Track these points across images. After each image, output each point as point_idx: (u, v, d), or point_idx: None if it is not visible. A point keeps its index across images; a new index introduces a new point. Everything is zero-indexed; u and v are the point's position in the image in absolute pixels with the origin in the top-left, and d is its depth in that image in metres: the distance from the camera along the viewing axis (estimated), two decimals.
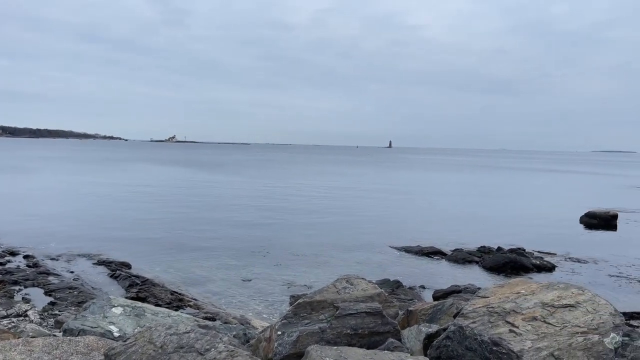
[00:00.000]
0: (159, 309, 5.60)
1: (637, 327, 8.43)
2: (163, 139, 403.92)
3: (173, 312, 5.60)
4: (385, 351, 3.22)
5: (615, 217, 23.14)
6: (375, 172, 68.26)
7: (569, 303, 2.84)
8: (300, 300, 3.40)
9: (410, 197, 34.37)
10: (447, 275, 13.90)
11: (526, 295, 2.93)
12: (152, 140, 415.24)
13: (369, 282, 4.58)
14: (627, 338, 3.52)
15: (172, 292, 11.19)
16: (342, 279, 3.92)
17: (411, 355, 3.28)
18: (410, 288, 12.27)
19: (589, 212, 23.88)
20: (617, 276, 14.03)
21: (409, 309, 4.29)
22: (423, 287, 12.63)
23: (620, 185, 50.94)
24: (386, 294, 3.92)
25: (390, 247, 17.11)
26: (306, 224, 21.57)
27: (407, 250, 16.67)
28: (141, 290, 11.21)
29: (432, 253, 16.34)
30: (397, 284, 12.30)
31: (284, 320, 3.40)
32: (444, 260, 15.73)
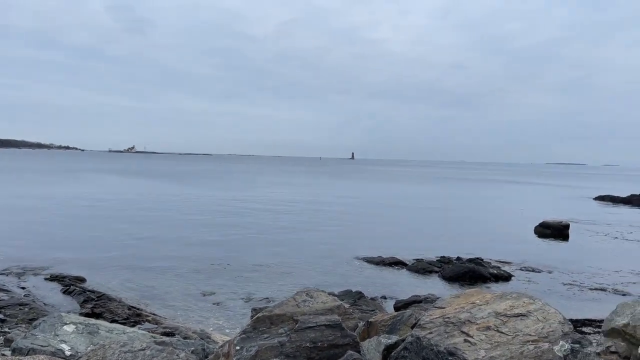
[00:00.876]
0: (114, 325, 5.42)
1: (589, 334, 8.74)
2: (122, 149, 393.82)
3: (129, 329, 5.44)
4: None
5: (567, 227, 24.01)
6: (338, 183, 68.61)
7: (520, 312, 2.93)
8: (259, 314, 3.36)
9: (372, 208, 34.70)
10: (408, 285, 14.06)
11: (480, 305, 3.00)
12: (110, 151, 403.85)
13: (329, 294, 4.59)
14: (577, 345, 3.64)
15: (130, 307, 10.86)
16: (302, 292, 3.90)
17: None
18: (372, 299, 12.33)
19: (543, 222, 24.69)
20: (570, 284, 14.53)
21: (369, 320, 4.31)
22: (385, 297, 12.72)
23: (572, 196, 53.01)
24: (346, 306, 3.93)
25: (352, 257, 17.18)
26: (268, 235, 21.44)
27: (369, 260, 16.78)
28: (96, 305, 10.83)
29: (394, 263, 16.50)
30: (359, 295, 12.34)
31: (243, 335, 3.35)
32: (405, 270, 15.91)
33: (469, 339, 2.68)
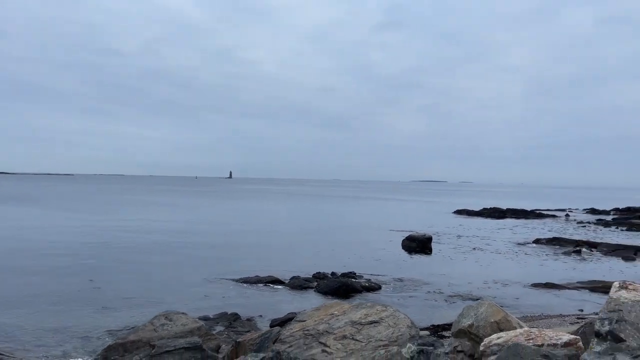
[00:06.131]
0: None
1: (447, 337, 9.51)
2: None
3: None
4: None
5: (430, 239, 26.02)
6: (212, 202, 67.16)
7: (374, 320, 3.13)
8: (111, 342, 3.14)
9: (247, 227, 34.48)
10: (285, 302, 14.14)
11: (338, 315, 3.14)
12: None
13: (202, 318, 4.44)
14: (431, 347, 3.96)
15: None
16: (160, 315, 3.74)
17: None
18: (248, 319, 12.19)
19: (409, 236, 26.49)
20: (433, 292, 15.71)
21: (237, 340, 4.25)
22: (261, 316, 12.64)
23: (435, 211, 57.71)
24: (206, 328, 3.84)
25: (228, 279, 16.86)
26: (135, 260, 20.20)
27: (246, 281, 16.60)
28: None
29: (271, 282, 16.51)
30: (235, 317, 12.15)
31: None
32: (282, 288, 16.00)
33: (326, 348, 2.79)
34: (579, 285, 17.13)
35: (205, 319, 11.54)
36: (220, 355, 3.54)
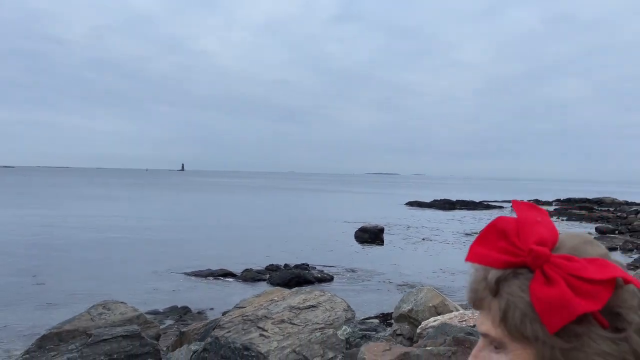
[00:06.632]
0: None
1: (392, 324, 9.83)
2: None
3: None
4: None
5: (382, 230, 26.52)
6: (163, 196, 65.72)
7: (312, 304, 3.23)
8: (45, 332, 3.08)
9: (199, 221, 34.01)
10: (237, 295, 14.08)
11: (277, 301, 3.22)
12: None
13: (153, 313, 4.41)
14: (373, 332, 4.11)
15: None
16: (98, 305, 3.70)
17: None
18: (199, 313, 12.12)
19: (362, 227, 26.90)
20: (384, 282, 16.09)
21: (182, 330, 4.25)
22: (212, 309, 12.59)
23: (387, 202, 58.75)
24: (147, 317, 3.83)
25: (178, 273, 16.64)
26: (84, 257, 19.53)
27: (197, 274, 16.43)
28: None
29: (223, 275, 16.42)
30: (185, 310, 12.06)
31: (26, 356, 3.03)
32: (234, 281, 15.95)
33: (264, 332, 2.86)
34: None
35: (154, 312, 11.39)
36: (163, 346, 3.54)
